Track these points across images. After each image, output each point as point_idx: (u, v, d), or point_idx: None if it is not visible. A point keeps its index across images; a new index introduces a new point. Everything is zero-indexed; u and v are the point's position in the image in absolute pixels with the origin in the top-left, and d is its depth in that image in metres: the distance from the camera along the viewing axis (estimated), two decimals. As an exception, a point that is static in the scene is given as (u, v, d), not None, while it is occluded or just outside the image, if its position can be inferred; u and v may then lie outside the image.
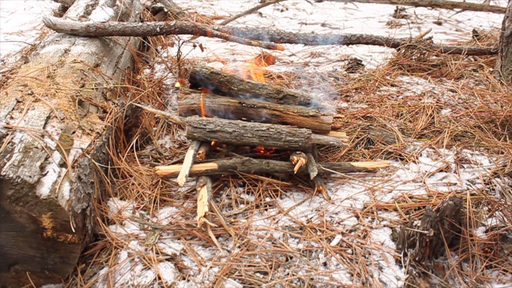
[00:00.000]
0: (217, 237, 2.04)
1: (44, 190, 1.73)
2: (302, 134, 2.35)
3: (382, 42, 3.85)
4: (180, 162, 2.43)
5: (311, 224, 2.12)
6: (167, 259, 1.92)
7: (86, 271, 1.90)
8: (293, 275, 1.84)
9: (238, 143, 2.37)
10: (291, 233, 2.07)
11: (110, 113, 2.45)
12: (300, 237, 2.05)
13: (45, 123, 2.02)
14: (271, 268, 1.87)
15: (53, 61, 2.60)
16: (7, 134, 1.85)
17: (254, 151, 2.53)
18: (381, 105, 3.21)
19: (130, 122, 2.69)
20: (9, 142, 1.81)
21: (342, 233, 2.07)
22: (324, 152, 2.69)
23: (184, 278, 1.83)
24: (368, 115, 3.04)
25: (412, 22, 5.56)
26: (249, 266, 1.89)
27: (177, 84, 3.03)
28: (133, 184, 2.37)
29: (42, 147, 1.87)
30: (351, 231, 2.10)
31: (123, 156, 2.49)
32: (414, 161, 2.57)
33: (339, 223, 2.14)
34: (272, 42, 3.36)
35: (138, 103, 2.72)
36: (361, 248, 1.98)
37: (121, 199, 2.31)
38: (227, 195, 2.33)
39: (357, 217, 2.18)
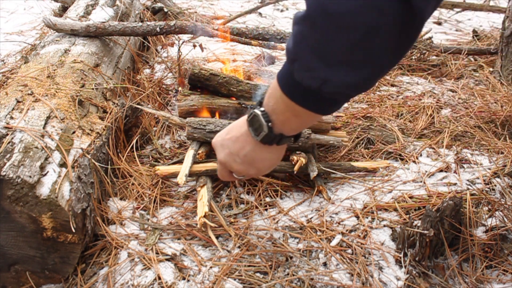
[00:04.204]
0: (217, 237, 2.04)
1: (44, 190, 1.72)
2: (301, 133, 2.35)
3: (382, 42, 3.84)
4: (180, 162, 2.43)
5: (311, 224, 2.12)
6: (167, 259, 1.91)
7: (86, 271, 1.90)
8: (293, 275, 1.84)
9: (238, 143, 2.36)
10: (291, 233, 2.07)
11: (110, 113, 2.45)
12: (300, 237, 2.05)
13: (45, 123, 2.01)
14: (271, 268, 1.87)
15: (53, 61, 2.59)
16: (7, 134, 1.85)
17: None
18: (381, 105, 3.21)
19: (130, 122, 2.68)
20: (9, 142, 1.81)
21: (342, 233, 2.07)
22: (324, 152, 2.69)
23: (184, 278, 1.83)
24: (368, 115, 3.04)
25: (412, 22, 5.55)
26: (249, 266, 1.88)
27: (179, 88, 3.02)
28: (133, 184, 2.37)
29: (42, 147, 1.87)
30: (351, 231, 2.10)
31: (123, 156, 2.49)
32: (414, 161, 2.57)
33: (339, 223, 2.14)
34: (272, 42, 3.36)
35: (138, 103, 2.72)
36: (361, 248, 1.98)
37: (121, 199, 2.31)
38: (227, 195, 2.33)
39: (357, 217, 2.18)
